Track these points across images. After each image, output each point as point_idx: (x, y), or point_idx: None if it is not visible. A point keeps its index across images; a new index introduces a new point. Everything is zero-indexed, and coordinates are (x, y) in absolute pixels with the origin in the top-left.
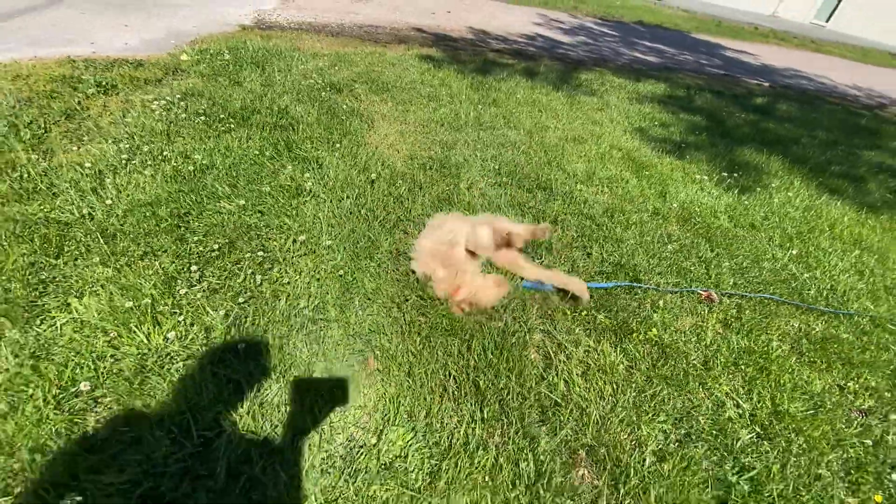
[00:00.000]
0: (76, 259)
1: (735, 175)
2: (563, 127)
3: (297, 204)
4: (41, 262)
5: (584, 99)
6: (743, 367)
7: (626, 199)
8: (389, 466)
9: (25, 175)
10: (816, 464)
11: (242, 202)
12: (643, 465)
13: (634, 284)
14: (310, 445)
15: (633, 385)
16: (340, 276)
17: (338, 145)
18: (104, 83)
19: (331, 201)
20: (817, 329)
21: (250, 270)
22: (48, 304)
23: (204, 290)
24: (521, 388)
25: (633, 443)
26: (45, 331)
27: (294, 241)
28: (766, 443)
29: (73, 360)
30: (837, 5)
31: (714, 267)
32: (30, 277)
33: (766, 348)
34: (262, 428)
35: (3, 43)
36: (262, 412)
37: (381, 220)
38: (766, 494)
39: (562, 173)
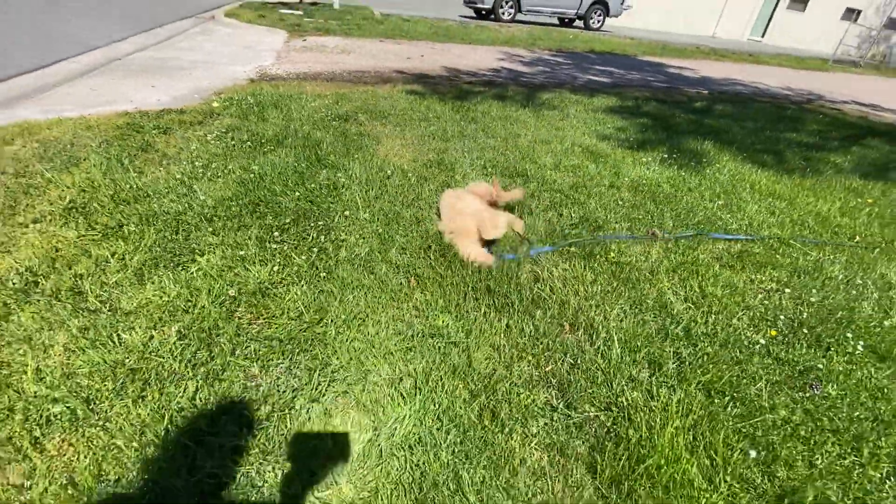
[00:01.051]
0: (190, 234)
1: (675, 157)
2: (532, 134)
3: (337, 194)
4: (168, 237)
5: (548, 112)
6: (679, 272)
7: (587, 178)
8: (439, 331)
9: (132, 186)
10: (729, 318)
11: (297, 195)
12: (608, 325)
13: (588, 240)
14: (385, 321)
15: (599, 287)
16: (379, 233)
17: (356, 156)
18: (161, 126)
19: (361, 191)
20: (736, 248)
21: (315, 234)
22: (181, 259)
23: (288, 246)
24: (518, 291)
25: (602, 317)
26: (187, 273)
27: (341, 216)
28: (694, 309)
29: (214, 284)
30: (769, 22)
31: (657, 216)
32: (164, 245)
33: (695, 260)
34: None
35: (58, 105)
36: (343, 307)
37: (400, 200)
38: (694, 335)
39: (534, 165)
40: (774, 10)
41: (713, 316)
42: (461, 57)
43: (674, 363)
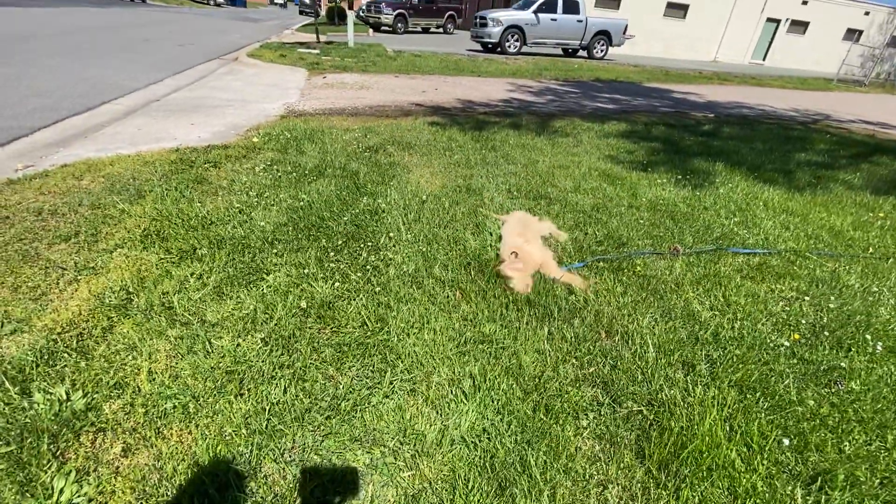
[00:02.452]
0: (255, 255)
1: (688, 178)
2: (549, 160)
3: (379, 218)
4: (237, 259)
5: (562, 139)
6: (703, 283)
7: (607, 199)
8: (487, 337)
9: (197, 215)
10: (754, 324)
11: (345, 219)
12: (642, 332)
13: (615, 255)
14: (438, 329)
15: (629, 298)
16: (422, 252)
17: (391, 183)
18: (210, 160)
19: (400, 215)
20: (755, 261)
21: (365, 254)
22: (251, 278)
23: (343, 264)
24: (556, 303)
25: (635, 325)
26: (257, 291)
27: (386, 237)
28: (720, 316)
29: (285, 299)
30: (769, 46)
31: (677, 233)
32: (235, 266)
33: (717, 272)
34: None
35: (111, 144)
36: (400, 317)
37: (436, 222)
38: (722, 339)
39: (555, 188)
40: (774, 35)
41: (738, 322)
42: (473, 89)
43: (705, 364)
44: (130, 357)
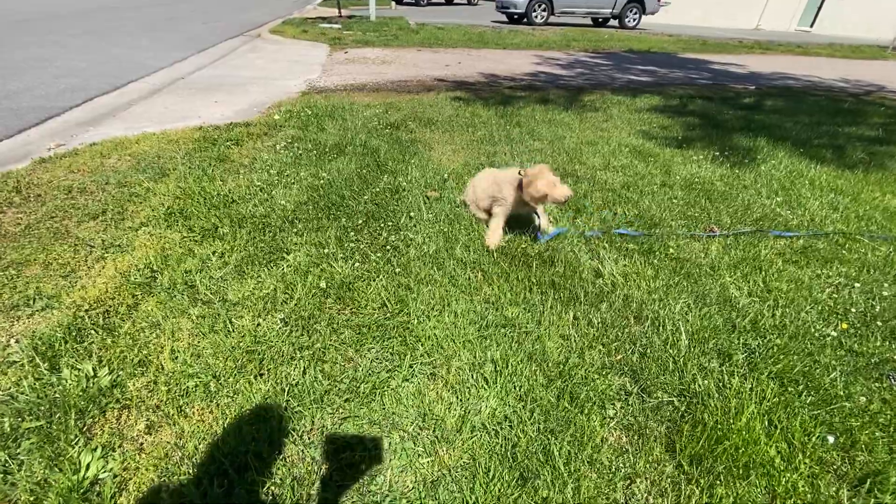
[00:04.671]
0: (276, 234)
1: (727, 154)
2: (577, 135)
3: (399, 197)
4: (258, 238)
5: (591, 114)
6: (741, 267)
7: (638, 177)
8: (510, 321)
9: (219, 193)
10: (797, 311)
11: (365, 198)
12: (674, 318)
13: (646, 233)
14: (459, 312)
15: (661, 282)
16: (444, 232)
17: (412, 161)
18: (232, 138)
19: (421, 193)
20: (798, 244)
21: (385, 234)
22: (272, 257)
23: (364, 244)
24: (582, 286)
25: (666, 310)
26: (279, 270)
27: (407, 216)
28: (759, 303)
29: (305, 279)
30: (818, 12)
31: (714, 214)
32: (255, 245)
33: (757, 256)
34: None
35: (138, 122)
36: (421, 299)
37: (459, 201)
38: (761, 327)
39: (583, 165)
40: None
41: (780, 310)
42: (498, 62)
43: (743, 354)
44: (154, 335)
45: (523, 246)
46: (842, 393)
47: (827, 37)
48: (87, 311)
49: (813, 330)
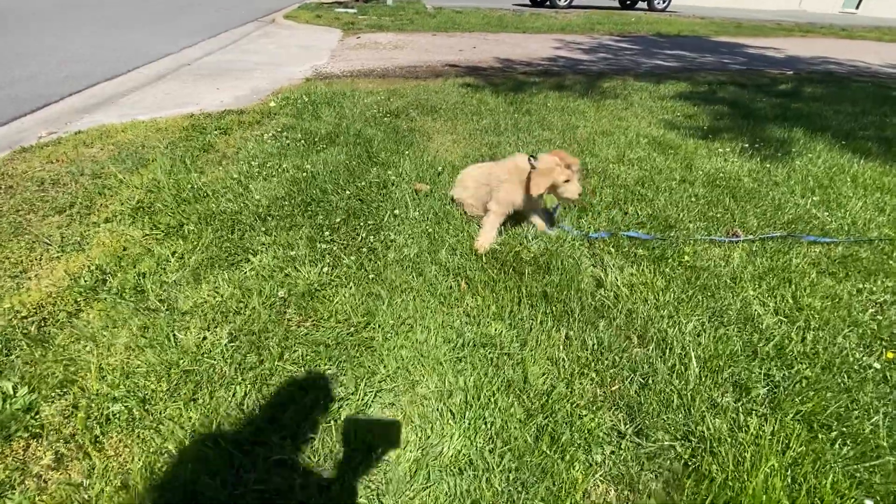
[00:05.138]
0: (245, 233)
1: (757, 147)
2: (592, 125)
3: (387, 192)
4: (224, 236)
5: (610, 102)
6: (767, 279)
7: (655, 172)
8: (491, 340)
9: (193, 186)
10: (832, 335)
11: (347, 193)
12: (684, 339)
13: (659, 237)
14: (434, 328)
15: (672, 294)
16: (429, 233)
17: (406, 153)
18: (221, 127)
19: (411, 189)
20: (837, 252)
21: (364, 234)
22: (235, 259)
23: (338, 246)
24: (579, 298)
25: (676, 330)
26: (240, 273)
27: (391, 215)
28: (787, 324)
29: (265, 286)
30: None
31: (739, 215)
32: (220, 245)
33: (787, 266)
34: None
35: (133, 110)
36: (391, 312)
37: (451, 198)
38: (788, 354)
39: (594, 158)
40: None
41: (811, 333)
42: (515, 46)
43: (765, 387)
44: (87, 349)
45: (517, 248)
46: (885, 444)
47: (874, 19)
48: (24, 317)
49: (851, 359)
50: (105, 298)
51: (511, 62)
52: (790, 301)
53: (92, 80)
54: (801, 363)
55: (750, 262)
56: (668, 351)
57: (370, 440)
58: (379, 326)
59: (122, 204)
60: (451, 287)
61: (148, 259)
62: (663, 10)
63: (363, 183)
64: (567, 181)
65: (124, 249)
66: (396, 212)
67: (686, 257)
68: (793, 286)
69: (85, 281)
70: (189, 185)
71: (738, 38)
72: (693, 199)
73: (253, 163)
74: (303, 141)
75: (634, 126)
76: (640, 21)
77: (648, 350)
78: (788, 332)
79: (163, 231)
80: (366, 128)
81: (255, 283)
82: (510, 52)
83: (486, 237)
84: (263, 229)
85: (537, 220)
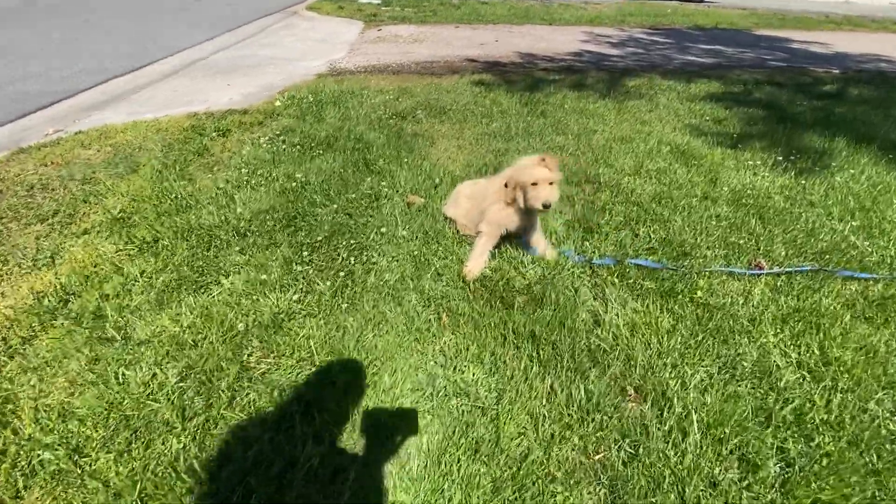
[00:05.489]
0: (220, 250)
1: (792, 158)
2: (611, 129)
3: (377, 206)
4: (198, 254)
5: (632, 103)
6: (791, 323)
7: (674, 186)
8: (465, 389)
9: (178, 196)
10: (864, 399)
11: (335, 207)
12: (687, 397)
13: (670, 266)
14: (404, 370)
15: (679, 338)
16: (414, 256)
17: (405, 160)
18: (221, 128)
19: (403, 203)
20: (876, 290)
21: (346, 254)
22: (207, 280)
23: (314, 268)
24: (572, 339)
25: (678, 382)
26: (208, 298)
27: (377, 233)
28: (811, 381)
29: (228, 314)
30: None
31: (765, 240)
32: (192, 264)
33: (816, 307)
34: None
35: (142, 107)
36: (359, 350)
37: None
38: (809, 422)
39: (609, 169)
40: None
41: (839, 395)
42: (540, 40)
43: (777, 464)
44: (31, 383)
45: (511, 275)
46: None
47: None
48: None
49: (884, 433)
50: (62, 324)
51: (533, 57)
52: (816, 352)
53: (105, 76)
54: (823, 435)
55: (773, 300)
56: (666, 410)
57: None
58: (342, 368)
59: (105, 213)
60: (429, 320)
61: (115, 278)
62: (702, 2)
63: (354, 195)
64: (535, 184)
65: (95, 266)
66: (384, 229)
67: (699, 292)
68: (821, 333)
69: (48, 301)
70: (173, 195)
71: (780, 32)
72: (714, 220)
73: (243, 170)
74: (299, 146)
75: (657, 132)
76: (675, 12)
77: (644, 408)
78: (811, 394)
79: (137, 246)
80: (368, 131)
81: (220, 309)
82: (533, 46)
83: (475, 262)
84: (238, 248)
85: (539, 242)
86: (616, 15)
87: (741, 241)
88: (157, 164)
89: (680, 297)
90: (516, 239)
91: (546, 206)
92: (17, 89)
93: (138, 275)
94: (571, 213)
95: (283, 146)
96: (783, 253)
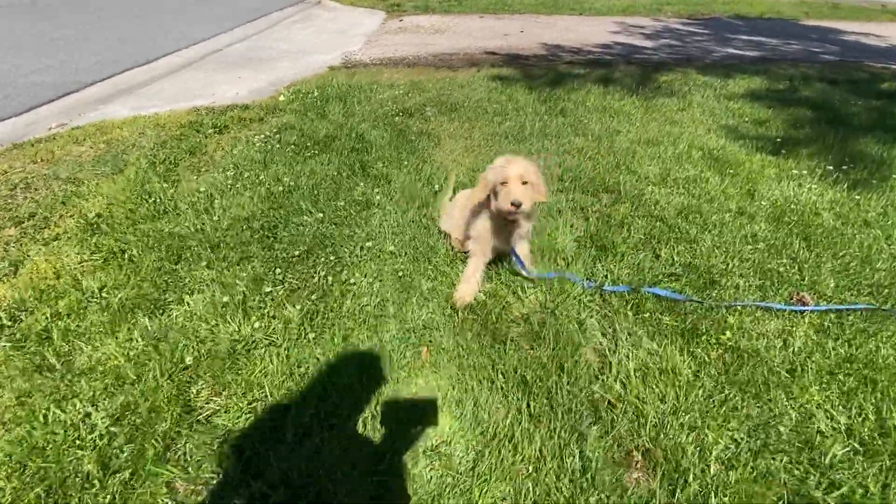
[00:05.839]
0: (190, 264)
1: (845, 168)
2: (636, 130)
3: (367, 216)
4: (165, 267)
5: (663, 101)
6: (841, 377)
7: (705, 199)
8: (437, 448)
9: (158, 200)
10: None
11: (321, 216)
12: (706, 472)
13: (691, 298)
14: (364, 420)
15: (701, 390)
16: (400, 277)
17: (405, 163)
18: (219, 125)
19: (395, 212)
20: None
21: (323, 273)
22: (168, 298)
23: (285, 289)
24: (571, 387)
25: (696, 448)
26: (165, 320)
27: (361, 247)
28: (864, 460)
29: (182, 342)
30: None
31: (810, 268)
32: (157, 279)
33: (872, 357)
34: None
35: (149, 101)
36: (318, 394)
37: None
38: None
39: (631, 176)
40: None
41: None
42: (567, 31)
43: None
44: None
45: (509, 300)
46: None
47: None
48: None
49: None
50: (3, 347)
51: (559, 49)
52: (871, 418)
53: (117, 68)
54: None
55: (818, 346)
56: (679, 489)
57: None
58: (294, 419)
59: (80, 218)
60: (407, 357)
61: (72, 294)
62: None
63: (343, 202)
64: (504, 183)
65: (56, 278)
66: (369, 243)
67: (728, 333)
68: (878, 393)
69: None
70: (153, 199)
71: (833, 22)
72: (750, 241)
73: (230, 172)
74: (294, 145)
75: (688, 133)
76: (716, 0)
77: (651, 483)
78: (863, 477)
79: (103, 257)
80: (371, 129)
81: (175, 336)
82: (560, 38)
83: (466, 287)
84: (205, 263)
85: (524, 256)
86: (652, 4)
87: (781, 269)
88: (145, 164)
89: (704, 337)
90: (510, 253)
91: (516, 206)
92: (30, 81)
93: (97, 290)
94: (584, 228)
95: (278, 145)
96: (832, 285)
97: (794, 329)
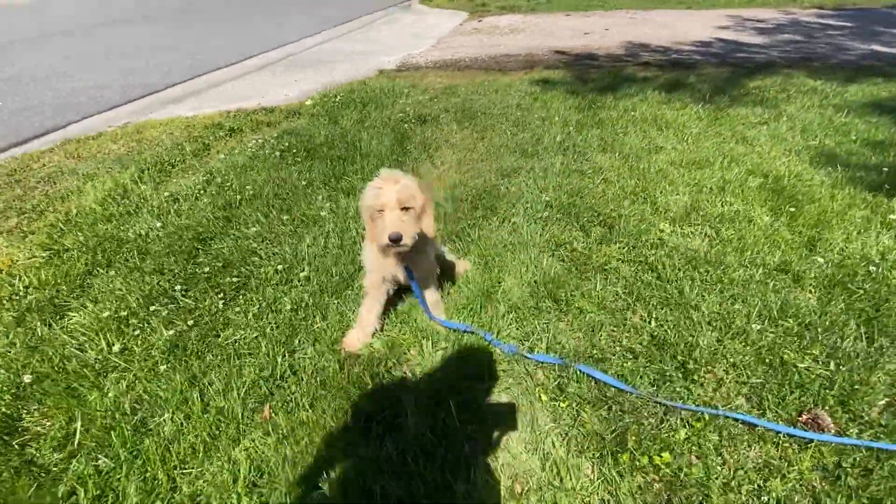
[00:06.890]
0: (114, 270)
1: None
2: (684, 148)
3: (304, 233)
4: (93, 271)
5: (739, 111)
6: None
7: (735, 245)
8: None
9: (129, 201)
10: None
11: (255, 230)
12: None
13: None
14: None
15: None
16: (295, 310)
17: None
18: (234, 128)
19: (335, 232)
20: None
21: (220, 295)
22: (72, 305)
23: (171, 310)
24: None
25: None
26: (55, 329)
27: (276, 270)
28: None
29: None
30: None
31: (856, 370)
32: (76, 281)
33: None
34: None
35: (210, 102)
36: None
37: None
38: None
39: (644, 207)
40: None
41: None
42: (663, 27)
43: None
44: None
45: (406, 354)
46: None
47: None
48: None
49: None
50: None
51: (642, 48)
52: None
53: (196, 72)
54: None
55: (831, 498)
56: None
57: None
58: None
59: (63, 215)
60: (246, 412)
61: (3, 290)
62: None
63: (289, 216)
64: (381, 210)
65: (0, 272)
66: (280, 267)
67: (668, 455)
68: None
69: None
70: (125, 200)
71: None
72: (776, 313)
73: (203, 178)
74: (283, 151)
75: (755, 155)
76: None
77: None
78: None
79: (47, 255)
80: (373, 137)
81: (48, 347)
82: (651, 35)
83: (354, 333)
84: (132, 266)
85: (429, 293)
86: None
87: (803, 364)
88: (143, 165)
89: (634, 454)
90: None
91: (394, 242)
92: (122, 83)
93: (22, 289)
94: (548, 271)
95: (268, 151)
96: (880, 404)
97: (787, 465)
